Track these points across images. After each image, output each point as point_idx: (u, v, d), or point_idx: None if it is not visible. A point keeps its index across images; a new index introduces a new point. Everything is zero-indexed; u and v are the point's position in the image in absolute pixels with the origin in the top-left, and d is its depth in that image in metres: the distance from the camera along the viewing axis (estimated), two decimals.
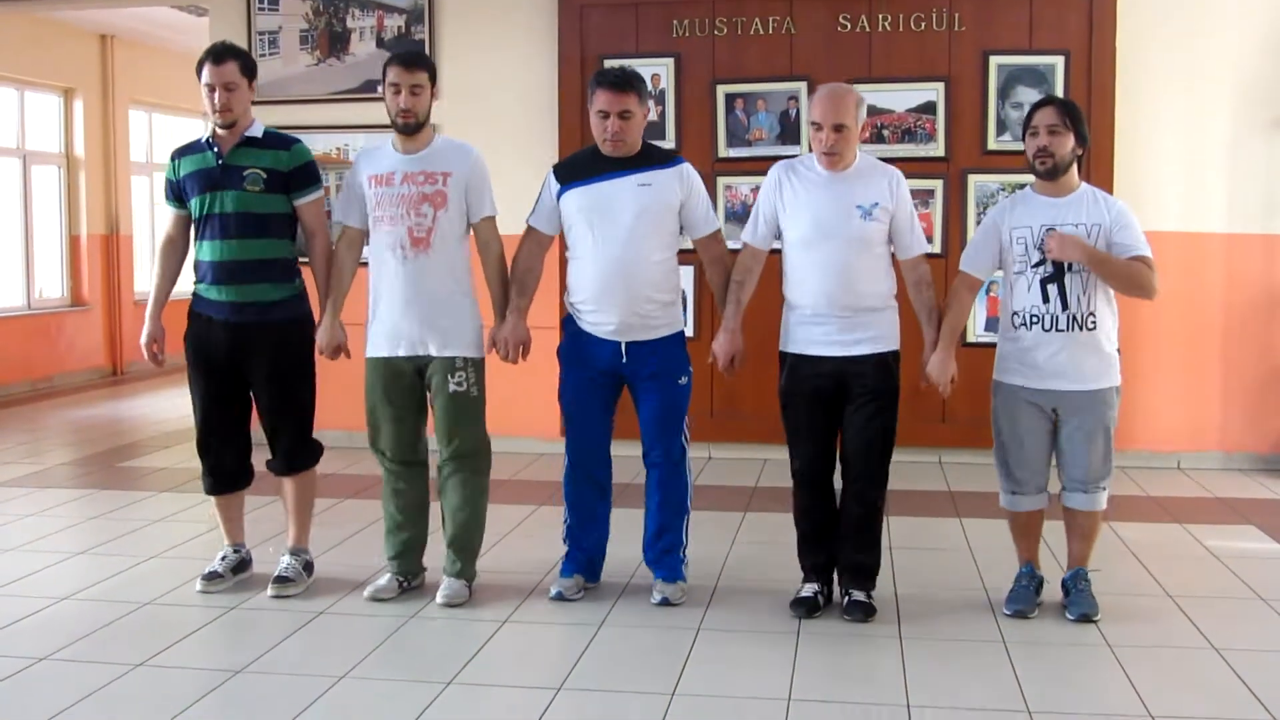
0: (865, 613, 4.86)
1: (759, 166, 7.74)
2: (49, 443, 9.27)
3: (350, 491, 6.99)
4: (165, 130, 14.41)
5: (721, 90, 8.02)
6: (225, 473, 5.32)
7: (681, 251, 5.16)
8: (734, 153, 8.02)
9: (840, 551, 4.98)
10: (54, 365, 12.32)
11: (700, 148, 7.94)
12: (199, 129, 14.29)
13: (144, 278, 13.80)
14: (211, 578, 5.28)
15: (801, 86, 7.88)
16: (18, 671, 4.30)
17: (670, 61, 8.05)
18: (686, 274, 5.33)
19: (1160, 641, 4.67)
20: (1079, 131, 4.73)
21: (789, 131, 7.94)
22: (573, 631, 4.78)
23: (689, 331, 6.40)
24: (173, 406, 10.72)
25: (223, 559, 5.37)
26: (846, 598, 4.93)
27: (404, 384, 5.07)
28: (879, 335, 4.82)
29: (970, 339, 7.55)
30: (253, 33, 8.57)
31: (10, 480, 7.61)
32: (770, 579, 5.35)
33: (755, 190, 7.68)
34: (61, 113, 12.65)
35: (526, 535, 6.18)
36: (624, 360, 5.00)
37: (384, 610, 5.00)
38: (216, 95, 5.05)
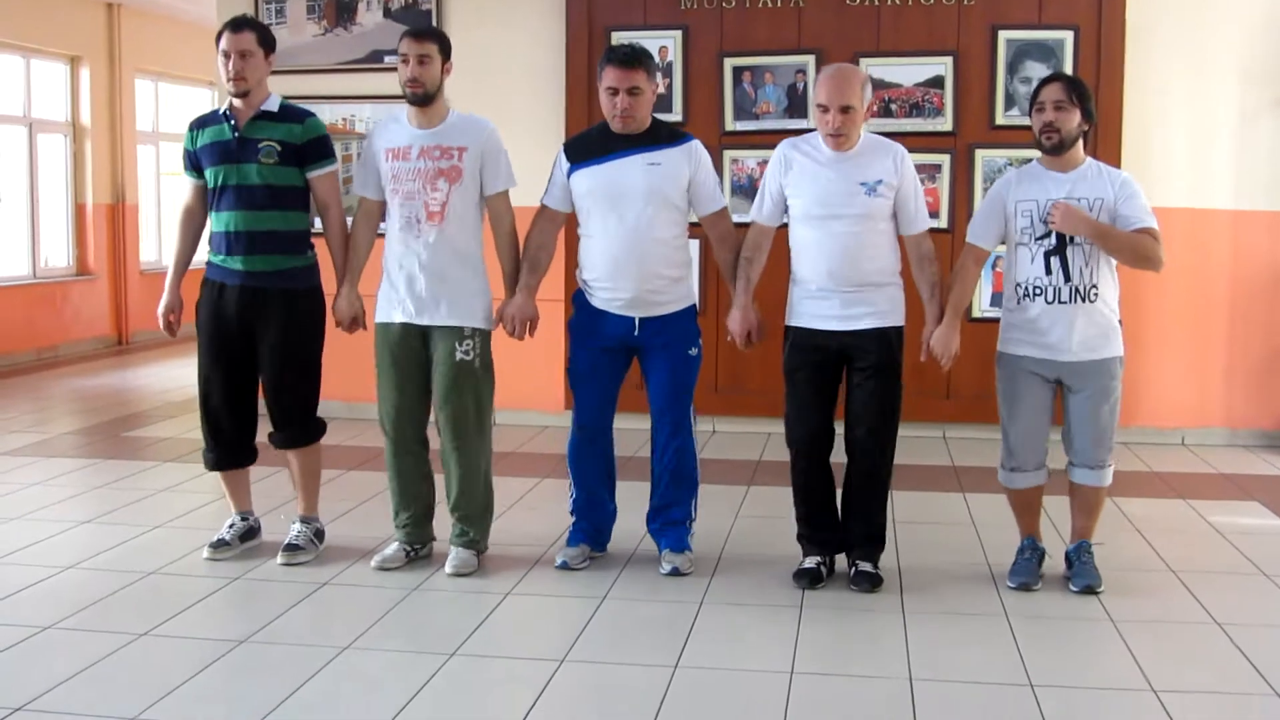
0: (872, 583, 4.90)
1: (766, 140, 7.79)
2: (54, 412, 9.29)
3: (354, 463, 6.99)
4: (171, 99, 14.39)
5: (729, 63, 7.99)
6: (227, 448, 5.33)
7: (691, 225, 5.20)
8: (741, 126, 7.99)
9: (846, 523, 5.03)
10: (59, 334, 12.33)
11: (707, 121, 7.93)
12: (205, 98, 14.32)
13: (150, 247, 13.84)
14: (219, 545, 5.32)
15: (809, 60, 7.86)
16: (22, 640, 4.31)
17: (678, 34, 8.02)
18: (694, 248, 5.33)
19: (1163, 616, 4.67)
20: (1085, 108, 4.77)
21: (796, 105, 7.91)
22: (577, 603, 4.80)
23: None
24: (178, 376, 10.74)
25: (230, 527, 5.41)
26: (854, 568, 4.98)
27: (410, 351, 5.11)
28: (882, 310, 4.86)
29: (975, 314, 7.55)
30: (260, 2, 8.54)
31: (15, 449, 7.62)
32: (774, 552, 5.35)
33: (762, 164, 7.77)
34: (68, 81, 12.62)
35: (530, 508, 6.19)
36: (636, 334, 5.05)
37: (389, 580, 5.02)
38: (231, 62, 5.08)
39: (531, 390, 8.00)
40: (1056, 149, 4.78)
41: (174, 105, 14.45)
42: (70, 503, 6.32)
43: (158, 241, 14.10)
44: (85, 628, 4.46)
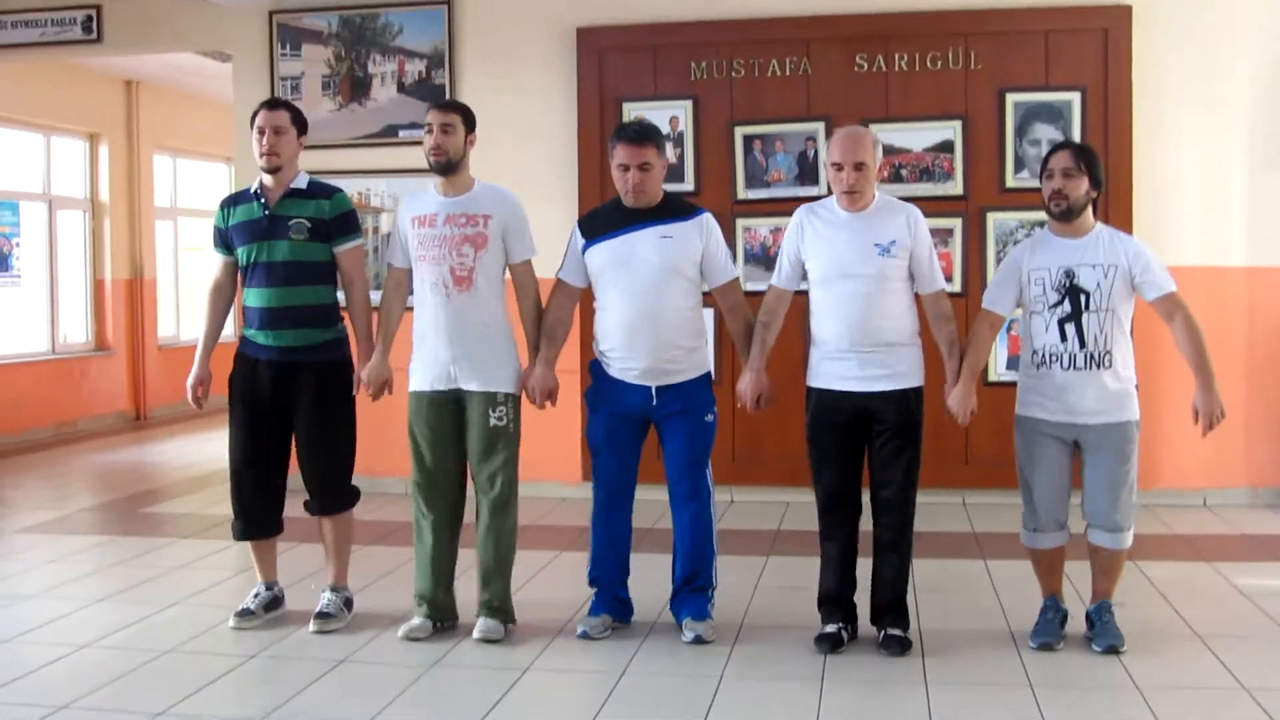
0: (902, 647, 4.93)
1: (777, 208, 7.84)
2: (72, 488, 9.29)
3: (373, 538, 6.96)
4: (189, 175, 14.52)
5: (740, 131, 8.04)
6: (256, 519, 5.41)
7: (705, 293, 5.29)
8: (752, 194, 8.03)
9: (873, 586, 5.07)
10: (78, 409, 12.38)
11: (719, 189, 7.97)
12: (223, 174, 14.46)
13: (168, 322, 13.91)
14: (244, 614, 5.38)
15: (819, 127, 7.91)
16: None
17: (689, 103, 8.09)
18: (708, 317, 5.41)
19: (1190, 682, 4.62)
20: (1093, 174, 4.87)
21: (807, 172, 7.95)
22: (598, 677, 4.76)
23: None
24: (196, 452, 10.77)
25: (255, 596, 5.47)
26: (882, 633, 5.00)
27: (444, 417, 5.20)
28: (901, 372, 4.93)
29: (991, 378, 7.54)
30: (275, 78, 8.64)
31: (33, 525, 7.63)
32: (794, 622, 5.31)
33: (774, 231, 7.82)
34: (87, 158, 12.77)
35: (551, 580, 6.15)
36: (654, 403, 5.13)
37: (413, 655, 4.99)
38: (265, 138, 5.25)
39: (549, 462, 7.98)
40: (1065, 215, 4.88)
41: (192, 181, 14.58)
42: (88, 579, 6.31)
43: (176, 316, 14.18)
44: (103, 707, 4.44)
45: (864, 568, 5.14)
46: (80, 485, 9.43)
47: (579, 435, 8.12)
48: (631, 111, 8.07)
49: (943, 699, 4.43)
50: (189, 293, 14.55)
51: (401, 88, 8.52)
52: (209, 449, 10.86)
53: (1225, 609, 5.59)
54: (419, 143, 7.78)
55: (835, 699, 4.47)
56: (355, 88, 8.59)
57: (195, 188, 14.65)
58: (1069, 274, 4.85)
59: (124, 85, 12.95)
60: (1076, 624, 5.10)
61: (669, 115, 8.00)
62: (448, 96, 8.29)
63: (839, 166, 4.89)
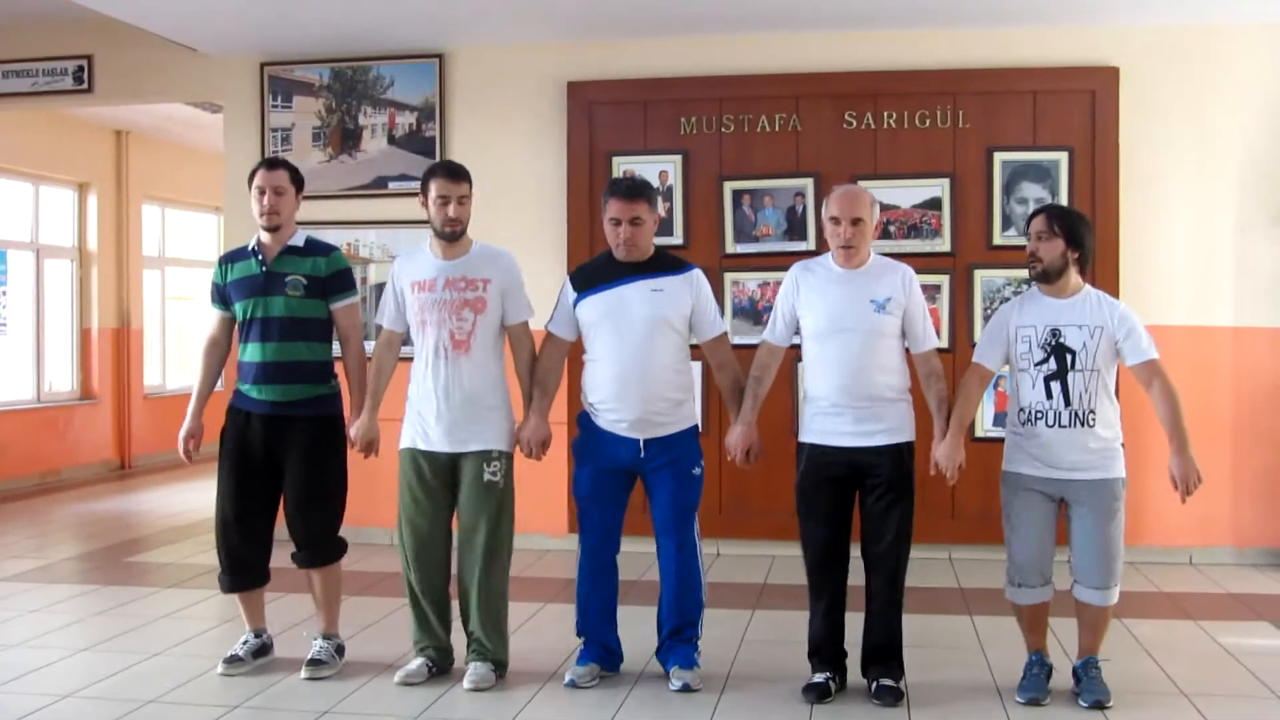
0: (895, 697, 4.95)
1: (766, 263, 7.88)
2: (56, 537, 9.23)
3: (359, 588, 6.93)
4: (178, 225, 14.53)
5: (729, 186, 8.09)
6: (243, 570, 5.44)
7: (693, 347, 5.34)
8: (741, 249, 8.07)
9: (865, 639, 5.11)
10: (63, 458, 12.32)
11: (708, 244, 8.01)
12: (211, 224, 14.48)
13: (154, 371, 13.87)
14: (233, 661, 5.41)
15: (808, 183, 7.96)
16: None
17: (678, 158, 8.14)
18: (695, 370, 5.45)
19: None
20: (1070, 236, 4.94)
21: (796, 227, 7.99)
22: None
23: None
24: (181, 501, 10.72)
25: (244, 643, 5.50)
26: (875, 684, 5.02)
27: (437, 477, 5.25)
28: (893, 427, 5.00)
29: (979, 434, 7.55)
30: (266, 129, 8.68)
31: (16, 575, 7.58)
32: (781, 675, 5.31)
33: (762, 286, 7.86)
34: (75, 207, 12.76)
35: (537, 631, 6.12)
36: (641, 455, 5.15)
37: (401, 704, 4.95)
38: (266, 198, 5.34)
39: (535, 514, 7.93)
40: (1042, 278, 4.99)
41: (180, 231, 14.59)
42: (71, 629, 6.27)
43: (162, 366, 14.15)
44: None
45: (855, 622, 5.14)
46: (64, 534, 9.37)
47: (565, 487, 8.09)
48: (621, 165, 8.12)
49: None
50: (176, 342, 14.54)
51: (392, 140, 8.56)
52: (194, 498, 10.81)
53: (1211, 667, 5.58)
54: (410, 194, 7.85)
55: None
56: (345, 139, 8.63)
57: (184, 237, 14.65)
58: (1055, 333, 4.94)
59: (114, 135, 12.98)
60: (1062, 679, 5.10)
61: (659, 169, 8.05)
62: (439, 148, 8.37)
63: (836, 221, 4.99)
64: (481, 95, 8.47)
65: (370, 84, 8.58)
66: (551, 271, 7.74)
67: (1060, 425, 4.89)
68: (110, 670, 5.48)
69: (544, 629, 6.16)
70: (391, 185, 8.50)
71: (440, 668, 5.33)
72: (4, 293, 11.95)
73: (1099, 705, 4.89)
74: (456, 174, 5.29)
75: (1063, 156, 7.80)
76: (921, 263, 7.12)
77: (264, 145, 8.63)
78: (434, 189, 5.23)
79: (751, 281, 8.00)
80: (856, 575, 5.11)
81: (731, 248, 8.07)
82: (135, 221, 13.31)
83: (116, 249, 13.02)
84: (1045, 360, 4.94)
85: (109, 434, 13.00)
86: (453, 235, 5.23)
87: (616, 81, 8.24)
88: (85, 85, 9.13)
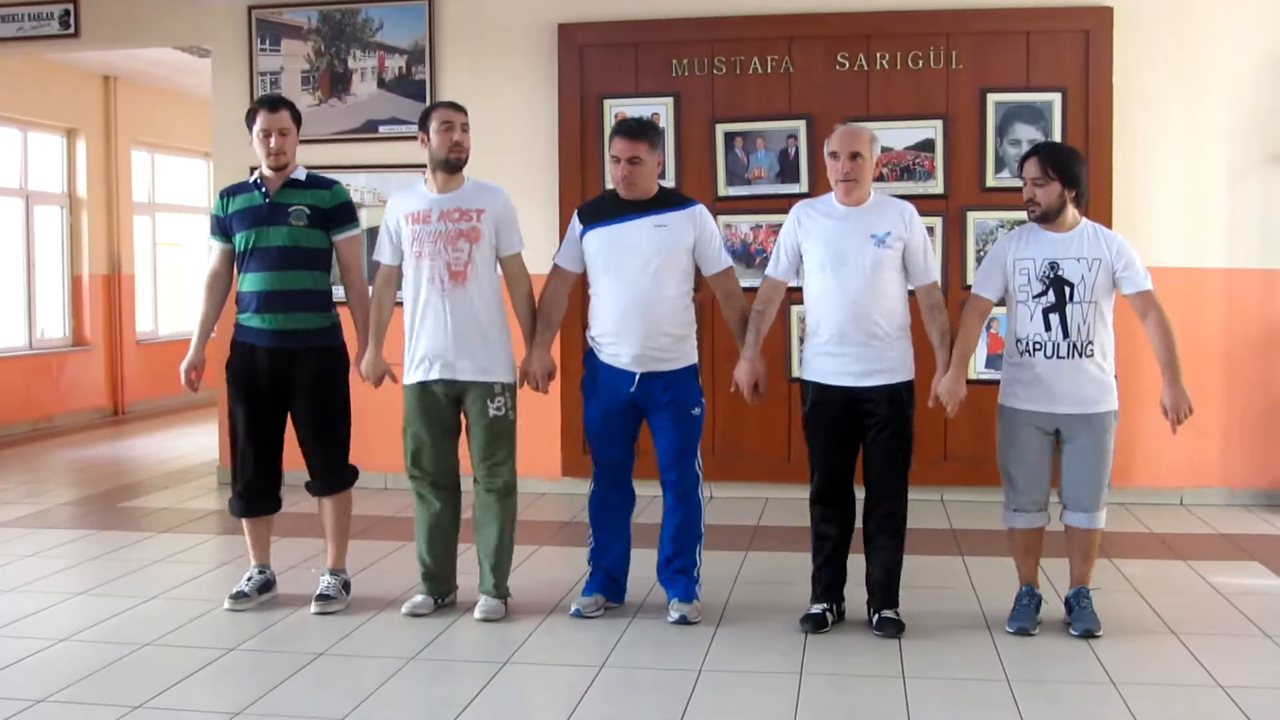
0: (896, 629, 5.08)
1: (758, 205, 7.86)
2: (49, 483, 9.25)
3: (355, 531, 6.92)
4: (167, 171, 14.46)
5: (721, 129, 8.05)
6: (255, 496, 5.58)
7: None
8: (733, 191, 8.04)
9: (867, 572, 5.24)
10: (55, 405, 12.32)
11: (700, 186, 7.96)
12: (201, 169, 14.39)
13: (145, 318, 13.84)
14: (239, 597, 5.55)
15: (801, 125, 7.92)
16: (15, 714, 4.28)
17: (670, 100, 8.09)
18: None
19: (1166, 679, 4.65)
20: (1065, 176, 5.00)
21: (788, 170, 7.97)
22: (578, 671, 4.78)
23: None
24: (174, 447, 10.74)
25: (249, 580, 5.62)
26: (876, 615, 5.16)
27: (441, 408, 5.39)
28: (892, 368, 5.11)
29: (971, 375, 7.53)
30: (255, 73, 8.62)
31: (10, 520, 7.59)
32: (775, 612, 5.39)
33: (754, 229, 7.85)
34: (64, 153, 12.70)
35: (532, 573, 6.14)
36: (633, 389, 5.28)
37: (411, 632, 4.99)
38: (272, 139, 5.43)
39: (531, 458, 7.91)
40: (1042, 219, 5.06)
41: (170, 176, 14.53)
42: (65, 574, 6.29)
43: (154, 312, 14.13)
44: (80, 700, 4.42)
45: (856, 564, 5.26)
46: (58, 480, 9.39)
47: (559, 431, 8.14)
48: (613, 108, 8.07)
49: (921, 695, 4.45)
50: (167, 288, 14.51)
51: (382, 83, 8.50)
52: (187, 444, 10.83)
53: (1201, 607, 5.62)
54: (399, 138, 7.85)
55: (813, 695, 4.48)
56: (335, 83, 8.57)
57: (173, 183, 14.59)
58: (1054, 265, 5.01)
59: (102, 80, 12.89)
60: (1052, 611, 5.21)
61: (650, 112, 7.99)
62: (429, 90, 8.33)
63: (835, 156, 5.08)
64: (472, 38, 8.40)
65: (359, 27, 8.51)
66: (543, 212, 7.73)
67: (1059, 356, 4.99)
68: (106, 614, 5.50)
69: (537, 572, 6.17)
70: (381, 129, 8.45)
71: (444, 599, 5.51)
72: None
73: (1089, 634, 5.02)
74: (458, 106, 5.44)
75: (1056, 97, 7.76)
76: (914, 205, 7.10)
77: (253, 89, 8.57)
78: (436, 119, 5.32)
79: (744, 224, 7.98)
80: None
81: (724, 190, 8.05)
82: (124, 167, 13.25)
83: (106, 195, 12.97)
84: (1044, 293, 5.02)
85: (101, 380, 12.99)
86: (457, 163, 5.32)
87: (607, 23, 8.18)
88: (72, 30, 9.03)
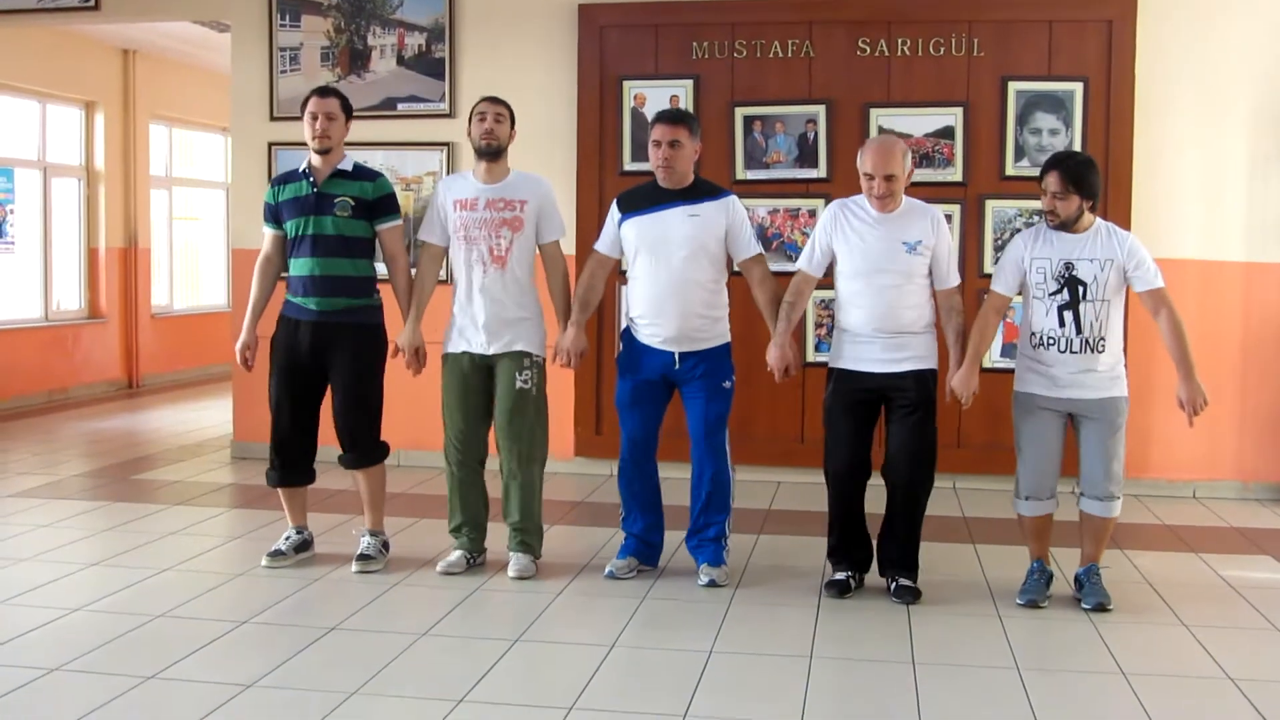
0: (913, 595, 5.39)
1: (776, 189, 7.87)
2: (64, 454, 9.29)
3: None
4: (185, 145, 14.48)
5: (740, 112, 8.04)
6: (291, 467, 5.88)
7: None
8: (752, 175, 8.03)
9: (884, 546, 5.54)
10: (70, 377, 12.37)
11: (719, 170, 7.94)
12: (219, 144, 14.42)
13: (161, 291, 13.88)
14: (276, 555, 5.88)
15: (820, 110, 7.91)
16: (29, 682, 4.31)
17: (689, 83, 8.07)
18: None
19: (1177, 671, 4.65)
20: (1085, 190, 5.22)
21: (807, 154, 7.95)
22: (587, 652, 4.78)
23: None
24: (188, 420, 10.78)
25: (286, 539, 5.96)
26: (894, 582, 5.45)
27: (477, 379, 5.74)
28: (919, 355, 5.40)
29: (986, 364, 7.52)
30: (274, 49, 8.61)
31: (25, 491, 7.63)
32: (783, 601, 5.39)
33: (772, 213, 7.85)
34: (83, 126, 12.72)
35: (546, 551, 6.15)
36: (676, 368, 5.61)
37: (400, 621, 5.01)
38: (318, 122, 5.71)
39: None
40: (1060, 228, 5.30)
41: (187, 150, 14.55)
42: (79, 545, 6.32)
43: (170, 285, 14.16)
44: (93, 670, 4.45)
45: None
46: (72, 451, 9.42)
47: (573, 413, 8.16)
48: (632, 90, 8.06)
49: (930, 682, 4.45)
50: (183, 262, 14.54)
51: (401, 61, 8.49)
52: (201, 418, 10.87)
53: (1212, 599, 5.61)
54: (419, 115, 7.91)
55: (822, 679, 4.49)
56: (354, 60, 8.56)
57: (191, 157, 14.61)
58: (1068, 266, 5.25)
59: (121, 54, 12.90)
60: (1061, 588, 5.39)
61: (669, 94, 7.99)
62: (447, 69, 8.33)
63: (870, 176, 5.30)
64: (492, 17, 8.39)
65: (379, 4, 8.50)
66: (561, 194, 7.69)
67: (1072, 351, 5.23)
68: (120, 585, 5.53)
69: (551, 549, 6.16)
70: (400, 106, 8.44)
71: (475, 558, 5.84)
72: (11, 211, 11.93)
73: (1100, 608, 5.25)
74: (496, 98, 5.79)
75: (1078, 87, 7.73)
76: (933, 192, 7.12)
77: (272, 65, 8.58)
78: (475, 110, 5.72)
79: (762, 208, 7.96)
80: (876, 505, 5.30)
81: (742, 174, 8.03)
82: (142, 141, 13.28)
83: (124, 168, 12.99)
84: (1059, 291, 5.25)
85: (116, 353, 13.04)
86: (488, 149, 5.65)
87: (628, 4, 8.17)
88: (92, 3, 9.03)
